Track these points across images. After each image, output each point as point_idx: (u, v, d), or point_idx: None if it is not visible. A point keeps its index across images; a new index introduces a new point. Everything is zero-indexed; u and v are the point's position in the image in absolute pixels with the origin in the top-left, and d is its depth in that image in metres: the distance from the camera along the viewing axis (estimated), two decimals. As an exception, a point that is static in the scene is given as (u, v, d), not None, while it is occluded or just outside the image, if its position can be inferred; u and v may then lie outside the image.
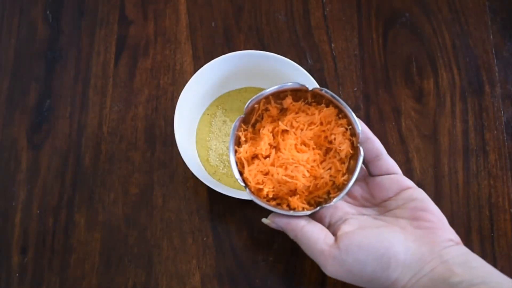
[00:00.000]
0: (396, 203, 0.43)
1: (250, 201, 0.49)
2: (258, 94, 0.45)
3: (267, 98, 0.46)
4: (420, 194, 0.42)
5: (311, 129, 0.45)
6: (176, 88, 0.57)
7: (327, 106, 0.45)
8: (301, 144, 0.45)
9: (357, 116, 0.57)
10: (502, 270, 0.51)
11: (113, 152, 0.55)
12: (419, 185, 0.54)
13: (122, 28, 0.60)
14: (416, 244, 0.39)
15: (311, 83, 0.51)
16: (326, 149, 0.45)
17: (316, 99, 0.46)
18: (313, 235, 0.41)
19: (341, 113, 0.45)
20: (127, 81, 0.58)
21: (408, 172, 0.54)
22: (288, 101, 0.46)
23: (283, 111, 0.47)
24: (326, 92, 0.44)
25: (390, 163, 0.44)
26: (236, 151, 0.45)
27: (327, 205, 0.42)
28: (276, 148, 0.45)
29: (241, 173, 0.44)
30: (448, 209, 0.53)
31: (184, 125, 0.52)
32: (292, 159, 0.43)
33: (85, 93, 0.58)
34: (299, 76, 0.51)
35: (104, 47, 0.59)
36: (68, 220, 0.53)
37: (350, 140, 0.44)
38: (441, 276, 0.37)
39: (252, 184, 0.44)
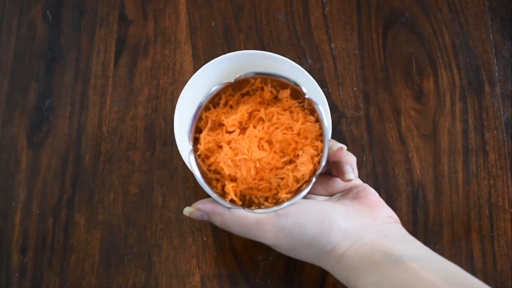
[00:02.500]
0: (343, 194, 0.44)
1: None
2: (258, 71, 0.43)
3: (265, 79, 0.44)
4: (363, 184, 0.44)
5: (284, 134, 0.43)
6: (176, 88, 0.57)
7: (316, 121, 0.43)
8: (266, 141, 0.43)
9: (357, 117, 0.57)
10: (501, 270, 0.51)
11: (113, 152, 0.55)
12: (419, 185, 0.54)
13: (122, 28, 0.60)
14: (357, 215, 0.40)
15: (311, 84, 0.51)
16: (290, 160, 0.43)
17: (310, 107, 0.44)
18: (243, 212, 0.41)
19: (321, 136, 0.43)
20: (127, 81, 0.58)
21: (408, 172, 0.54)
22: (285, 93, 0.44)
23: (276, 100, 0.45)
24: (318, 109, 0.42)
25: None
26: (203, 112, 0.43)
27: (259, 210, 0.41)
28: (242, 130, 0.44)
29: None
30: (448, 208, 0.53)
31: (184, 125, 0.51)
32: (247, 151, 0.42)
33: (85, 93, 0.58)
34: (299, 76, 0.51)
35: (104, 47, 0.59)
36: (68, 220, 0.53)
37: (314, 165, 0.42)
38: (381, 247, 0.38)
39: (201, 147, 0.42)
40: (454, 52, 0.59)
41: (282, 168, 0.42)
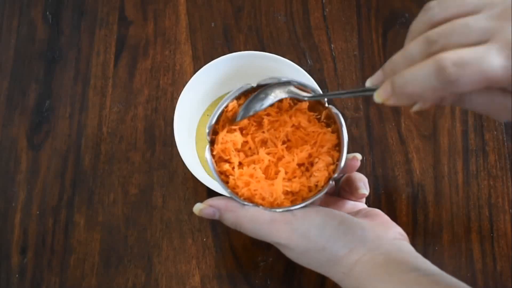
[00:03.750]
0: (352, 215, 0.43)
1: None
2: (280, 77, 0.41)
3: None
4: (371, 208, 0.43)
5: (299, 152, 0.42)
6: (176, 88, 0.57)
7: (333, 132, 0.42)
8: (277, 160, 0.42)
9: (357, 117, 0.57)
10: (501, 270, 0.51)
11: (113, 153, 0.55)
12: (419, 185, 0.54)
13: (122, 28, 0.60)
14: (371, 227, 0.39)
15: (311, 84, 0.51)
16: (306, 168, 0.42)
17: (327, 120, 0.43)
18: (258, 210, 0.39)
19: (337, 147, 0.42)
20: (127, 82, 0.58)
21: (407, 172, 0.54)
22: (303, 105, 0.43)
23: (295, 107, 0.44)
24: (338, 118, 0.41)
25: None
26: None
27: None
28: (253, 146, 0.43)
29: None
30: (448, 209, 0.53)
31: (184, 125, 0.52)
32: (256, 178, 0.40)
33: (84, 93, 0.58)
34: (299, 76, 0.51)
35: (104, 48, 0.59)
36: (68, 220, 0.53)
37: (329, 174, 0.41)
38: (396, 259, 0.37)
39: (217, 147, 0.41)
40: (454, 52, 0.59)
41: (294, 177, 0.41)
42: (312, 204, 0.40)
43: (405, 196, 0.53)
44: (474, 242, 0.52)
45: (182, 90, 0.51)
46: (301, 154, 0.41)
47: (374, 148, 0.55)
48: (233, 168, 0.41)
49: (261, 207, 0.39)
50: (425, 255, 0.50)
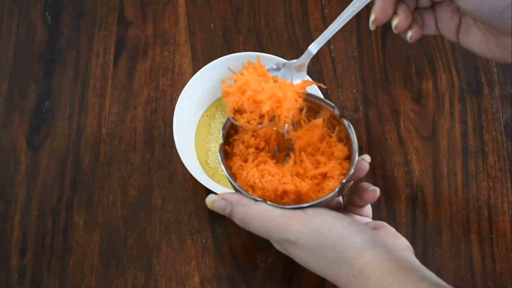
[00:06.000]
0: None
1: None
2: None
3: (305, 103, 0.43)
4: (379, 221, 0.43)
5: (312, 155, 0.42)
6: (175, 89, 0.57)
7: (344, 144, 0.43)
8: (296, 174, 0.42)
9: (356, 118, 0.57)
10: (501, 271, 0.51)
11: (112, 154, 0.55)
12: (418, 186, 0.54)
13: (121, 29, 0.60)
14: (380, 235, 0.40)
15: (311, 86, 0.51)
16: (320, 175, 0.42)
17: (339, 135, 0.43)
18: (269, 206, 0.39)
19: (348, 159, 0.42)
20: (126, 83, 0.58)
21: (407, 173, 0.54)
22: (318, 121, 0.43)
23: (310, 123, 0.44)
24: (350, 131, 0.41)
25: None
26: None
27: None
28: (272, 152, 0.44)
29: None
30: (447, 210, 0.53)
31: (183, 126, 0.52)
32: (279, 176, 0.41)
33: (84, 94, 0.58)
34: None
35: (103, 49, 0.59)
36: (67, 221, 0.53)
37: (339, 181, 0.41)
38: (407, 267, 0.37)
39: (234, 150, 0.42)
40: (453, 53, 0.59)
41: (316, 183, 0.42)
42: (321, 206, 0.40)
43: (404, 197, 0.53)
44: (474, 243, 0.52)
45: (181, 91, 0.51)
46: (322, 168, 0.41)
47: (374, 149, 0.55)
48: (246, 160, 0.42)
49: (273, 204, 0.39)
50: (424, 256, 0.51)
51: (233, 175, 0.41)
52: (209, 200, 0.40)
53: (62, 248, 0.52)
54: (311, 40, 0.59)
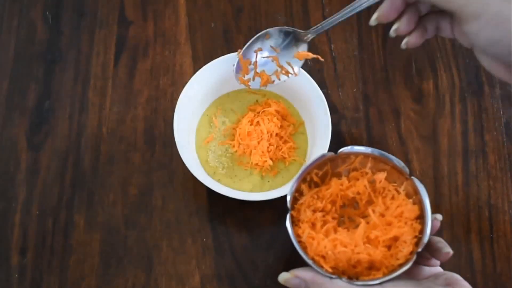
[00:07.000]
0: (431, 281, 0.42)
1: (250, 202, 0.49)
2: (361, 148, 0.43)
3: (367, 156, 0.43)
4: (450, 272, 0.42)
5: (382, 221, 0.41)
6: (176, 89, 0.57)
7: (414, 203, 0.42)
8: (368, 239, 0.41)
9: (356, 118, 0.57)
10: (501, 271, 0.51)
11: (113, 153, 0.55)
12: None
13: (122, 29, 0.60)
14: None
15: (311, 85, 0.51)
16: (392, 243, 0.41)
17: (407, 189, 0.42)
18: (345, 283, 0.38)
19: (419, 218, 0.41)
20: (127, 82, 0.58)
21: (407, 173, 0.54)
22: (381, 176, 0.43)
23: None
24: (420, 189, 0.41)
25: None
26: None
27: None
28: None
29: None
30: (448, 210, 0.53)
31: (184, 126, 0.52)
32: (352, 246, 0.40)
33: (84, 94, 0.58)
34: (299, 77, 0.51)
35: (104, 48, 0.59)
36: (68, 221, 0.53)
37: (412, 247, 0.40)
38: None
39: (301, 217, 0.42)
40: (453, 53, 0.59)
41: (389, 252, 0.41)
42: (397, 277, 0.39)
43: (404, 196, 0.53)
44: (474, 243, 0.52)
45: (181, 90, 0.51)
46: (392, 231, 0.41)
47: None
48: (314, 225, 0.42)
49: (348, 281, 0.39)
50: (424, 256, 0.51)
51: (301, 243, 0.41)
52: (282, 278, 0.41)
53: (62, 247, 0.52)
54: (312, 39, 0.59)
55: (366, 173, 0.44)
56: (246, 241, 0.52)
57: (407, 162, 0.54)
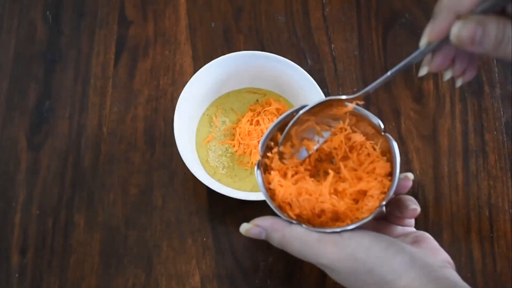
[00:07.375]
0: (400, 239, 0.42)
1: (250, 202, 0.49)
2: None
3: (348, 113, 0.42)
4: (420, 231, 0.42)
5: (353, 176, 0.41)
6: (176, 88, 0.57)
7: (387, 159, 0.41)
8: (335, 191, 0.41)
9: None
10: (501, 271, 0.51)
11: (113, 153, 0.55)
12: (419, 185, 0.54)
13: (122, 28, 0.60)
14: (419, 254, 0.38)
15: (312, 85, 0.51)
16: (360, 192, 0.41)
17: (382, 148, 0.42)
18: (305, 229, 0.39)
19: (390, 176, 0.40)
20: (127, 82, 0.58)
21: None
22: (358, 137, 0.42)
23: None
24: (392, 145, 0.40)
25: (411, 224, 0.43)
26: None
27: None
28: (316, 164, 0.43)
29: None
30: (448, 209, 0.53)
31: (184, 125, 0.52)
32: (317, 195, 0.40)
33: (84, 93, 0.58)
34: (299, 77, 0.52)
35: (104, 48, 0.59)
36: (68, 220, 0.53)
37: (379, 202, 0.39)
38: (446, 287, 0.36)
39: (272, 165, 0.41)
40: (453, 53, 0.59)
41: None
42: (359, 227, 0.39)
43: (405, 196, 0.53)
44: (474, 242, 0.52)
45: (182, 90, 0.51)
46: (360, 185, 0.40)
47: (374, 148, 0.55)
48: (285, 175, 0.41)
49: (307, 226, 0.39)
50: (425, 255, 0.51)
51: (270, 190, 0.41)
52: (243, 229, 0.41)
53: (62, 247, 0.52)
54: (312, 39, 0.59)
55: (345, 130, 0.43)
56: (246, 241, 0.52)
57: (407, 161, 0.54)
